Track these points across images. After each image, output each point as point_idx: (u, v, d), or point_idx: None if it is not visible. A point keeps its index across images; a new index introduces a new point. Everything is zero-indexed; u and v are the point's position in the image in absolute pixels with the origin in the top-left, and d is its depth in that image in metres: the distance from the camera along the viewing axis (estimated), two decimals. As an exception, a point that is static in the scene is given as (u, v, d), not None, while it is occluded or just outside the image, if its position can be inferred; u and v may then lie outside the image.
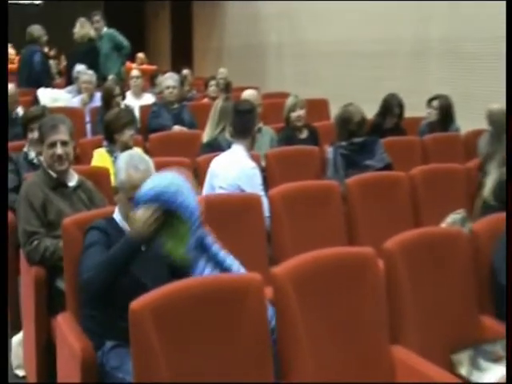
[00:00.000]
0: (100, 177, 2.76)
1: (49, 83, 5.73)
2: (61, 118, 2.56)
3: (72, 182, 2.50)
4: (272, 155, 3.26)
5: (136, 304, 1.45)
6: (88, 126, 4.83)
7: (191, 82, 6.36)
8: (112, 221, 1.98)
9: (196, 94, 6.14)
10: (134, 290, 1.62)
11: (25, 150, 3.12)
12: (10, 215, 2.72)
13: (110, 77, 5.75)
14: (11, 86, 4.25)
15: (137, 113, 4.91)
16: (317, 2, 7.05)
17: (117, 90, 4.63)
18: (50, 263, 2.24)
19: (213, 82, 5.80)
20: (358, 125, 3.11)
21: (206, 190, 2.87)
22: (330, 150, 3.16)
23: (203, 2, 10.10)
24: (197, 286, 1.56)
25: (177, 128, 4.67)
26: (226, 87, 6.45)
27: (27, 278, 2.33)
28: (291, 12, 7.89)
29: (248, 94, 4.07)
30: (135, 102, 5.24)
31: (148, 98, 5.46)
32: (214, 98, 5.74)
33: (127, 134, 3.36)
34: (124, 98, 4.74)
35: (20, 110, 4.27)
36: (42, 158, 2.61)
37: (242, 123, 2.80)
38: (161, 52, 11.62)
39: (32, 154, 3.07)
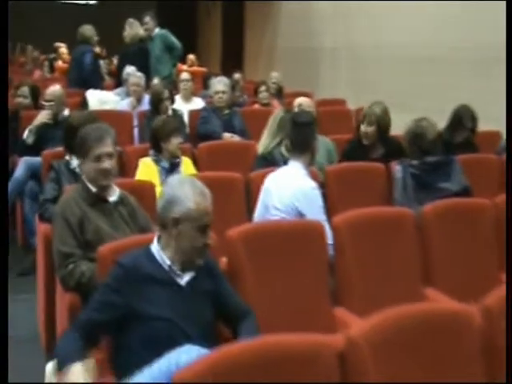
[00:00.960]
0: (144, 192, 2.52)
1: (98, 84, 5.61)
2: (106, 129, 2.34)
3: (113, 196, 2.27)
4: (332, 172, 2.94)
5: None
6: (135, 131, 4.64)
7: (242, 86, 6.09)
8: (148, 252, 1.73)
9: (247, 98, 5.87)
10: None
11: (66, 157, 2.93)
12: (46, 227, 2.53)
13: (156, 80, 5.55)
14: (58, 88, 4.11)
15: (186, 117, 4.71)
16: (376, 2, 6.66)
17: (165, 94, 4.43)
18: (86, 290, 2.01)
19: (263, 88, 5.51)
20: (432, 142, 2.76)
21: (259, 210, 2.59)
22: (398, 169, 2.82)
23: (255, 2, 9.84)
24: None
25: (227, 135, 4.42)
26: (278, 92, 6.17)
27: (62, 304, 2.12)
28: (348, 13, 7.49)
29: (301, 101, 3.76)
30: (184, 106, 5.02)
31: (198, 103, 5.23)
32: (265, 104, 5.47)
33: (174, 143, 3.14)
34: (173, 101, 4.52)
35: (66, 113, 4.12)
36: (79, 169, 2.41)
37: (301, 137, 2.50)
38: (211, 54, 11.45)
39: (74, 163, 2.87)
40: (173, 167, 3.13)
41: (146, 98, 4.88)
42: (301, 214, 2.41)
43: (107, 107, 5.00)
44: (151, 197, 2.47)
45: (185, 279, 1.71)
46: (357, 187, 2.85)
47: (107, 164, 2.22)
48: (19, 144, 4.01)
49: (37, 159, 3.71)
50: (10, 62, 8.53)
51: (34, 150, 3.94)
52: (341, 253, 2.07)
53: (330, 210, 2.50)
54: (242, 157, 3.44)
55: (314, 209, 2.37)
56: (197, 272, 1.73)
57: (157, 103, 4.41)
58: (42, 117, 3.91)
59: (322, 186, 2.91)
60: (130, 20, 5.90)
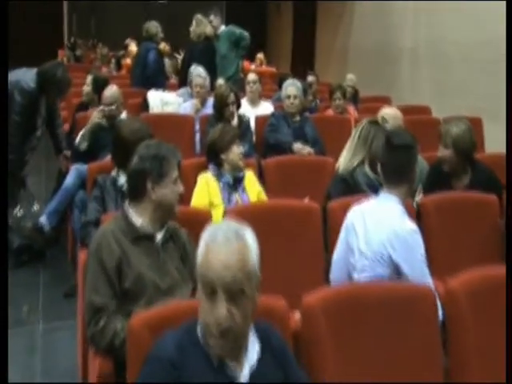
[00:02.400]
0: (200, 222, 2.07)
1: (162, 83, 5.28)
2: (176, 149, 1.96)
3: (161, 231, 1.84)
4: (431, 203, 2.36)
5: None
6: (197, 136, 4.24)
7: (316, 90, 5.56)
8: (192, 331, 1.26)
9: (319, 103, 5.33)
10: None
11: (113, 174, 2.54)
12: (83, 255, 2.16)
13: (220, 80, 5.13)
14: (115, 88, 3.77)
15: (252, 123, 4.25)
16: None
17: (231, 98, 3.98)
18: (120, 354, 1.59)
19: (338, 94, 4.93)
20: None
21: (339, 251, 2.08)
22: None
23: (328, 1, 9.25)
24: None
25: (298, 145, 3.93)
26: (353, 97, 5.60)
27: (92, 365, 1.71)
28: (430, 8, 6.74)
29: (388, 113, 3.18)
30: (251, 110, 4.57)
31: (266, 107, 4.76)
32: (340, 112, 4.93)
33: (236, 152, 2.69)
34: (239, 106, 4.08)
35: (124, 116, 3.76)
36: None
37: (398, 163, 1.96)
38: (281, 53, 10.98)
39: (122, 179, 2.48)
40: (236, 182, 2.68)
41: (211, 100, 4.47)
42: (395, 265, 1.88)
43: (169, 109, 4.66)
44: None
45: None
46: (461, 224, 2.27)
47: (182, 187, 1.89)
48: (72, 150, 3.72)
49: (90, 165, 3.39)
50: (82, 58, 8.45)
51: (87, 156, 3.65)
52: (457, 325, 1.52)
53: (427, 254, 1.95)
54: (317, 175, 2.94)
55: (413, 260, 1.84)
56: (262, 353, 1.27)
57: (221, 108, 3.98)
58: (95, 118, 3.58)
59: (417, 215, 2.36)
60: (198, 17, 5.53)
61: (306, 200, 2.55)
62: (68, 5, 9.88)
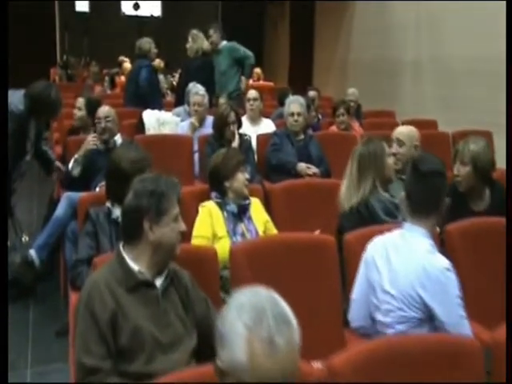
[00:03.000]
0: (205, 261, 1.85)
1: (156, 101, 5.07)
2: (177, 182, 1.73)
3: (160, 276, 1.62)
4: (456, 231, 2.14)
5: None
6: (195, 157, 4.03)
7: (318, 105, 5.37)
8: None
9: (322, 119, 5.13)
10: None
11: (107, 204, 2.32)
12: (74, 297, 1.93)
13: (222, 99, 4.94)
14: (107, 108, 3.56)
15: (254, 142, 4.05)
16: (466, 8, 5.76)
17: (232, 117, 3.79)
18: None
19: (342, 110, 4.74)
20: None
21: (360, 288, 1.86)
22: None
23: (326, 11, 9.10)
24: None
25: (302, 166, 3.72)
26: (357, 112, 5.41)
27: None
28: (433, 22, 6.61)
29: (403, 132, 2.98)
30: (252, 129, 4.37)
31: (267, 125, 4.56)
32: (345, 128, 4.73)
33: (241, 180, 2.47)
34: (240, 125, 3.88)
35: (119, 139, 3.55)
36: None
37: (427, 193, 1.75)
38: (278, 67, 10.83)
39: (117, 212, 2.26)
40: (241, 212, 2.45)
41: (210, 119, 4.27)
42: (426, 306, 1.66)
43: (166, 129, 4.45)
44: (213, 271, 1.80)
45: None
46: (489, 254, 2.05)
47: (183, 225, 1.66)
48: (64, 175, 3.50)
49: (81, 195, 3.17)
50: (75, 77, 8.27)
51: (80, 182, 3.43)
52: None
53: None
54: (326, 199, 2.71)
55: (448, 302, 1.62)
56: None
57: (221, 127, 3.78)
58: (89, 143, 3.37)
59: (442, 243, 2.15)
60: (194, 32, 5.34)
61: (317, 233, 2.34)
62: (60, 23, 9.74)
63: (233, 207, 2.42)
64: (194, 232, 2.33)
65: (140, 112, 4.61)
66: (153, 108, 4.79)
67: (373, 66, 7.92)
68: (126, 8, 11.21)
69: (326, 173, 3.81)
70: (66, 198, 3.15)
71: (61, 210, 3.11)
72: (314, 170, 3.72)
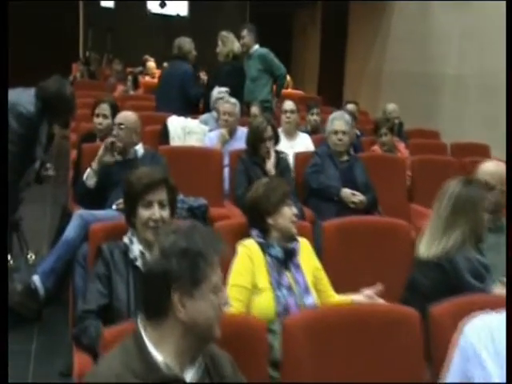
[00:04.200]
0: (251, 338, 1.41)
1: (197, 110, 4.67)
2: (212, 237, 1.27)
3: (192, 366, 1.18)
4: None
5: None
6: (226, 171, 3.59)
7: (357, 120, 4.91)
8: None
9: (361, 136, 4.67)
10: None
11: (125, 240, 1.89)
12: (85, 360, 1.53)
13: (255, 108, 4.51)
14: (130, 114, 3.15)
15: (290, 161, 3.61)
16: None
17: (268, 132, 3.36)
18: None
19: (385, 129, 4.27)
20: None
21: (451, 381, 1.41)
22: None
23: (362, 14, 8.60)
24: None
25: (347, 192, 3.27)
26: (399, 131, 4.94)
27: None
28: (477, 32, 6.11)
29: (491, 172, 2.32)
30: (287, 144, 3.93)
31: (304, 140, 4.13)
32: (388, 149, 4.27)
33: (287, 214, 2.03)
34: (277, 141, 3.45)
35: (140, 149, 3.14)
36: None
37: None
38: (307, 75, 10.37)
39: (135, 249, 1.84)
40: (288, 257, 1.99)
41: (241, 131, 3.85)
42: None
43: (192, 140, 4.04)
44: (261, 350, 1.36)
45: None
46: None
47: (226, 298, 1.29)
48: (78, 186, 3.10)
49: (96, 214, 2.76)
50: (97, 75, 7.90)
51: (95, 195, 3.03)
52: None
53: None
54: (391, 243, 2.25)
55: None
56: None
57: (256, 143, 3.36)
58: (103, 153, 2.98)
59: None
60: (224, 34, 4.91)
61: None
62: (84, 19, 9.42)
63: (277, 251, 1.97)
64: (231, 279, 1.89)
65: (165, 118, 4.21)
66: (185, 115, 4.40)
67: (409, 79, 7.43)
68: (152, 6, 10.86)
69: (373, 202, 3.36)
70: (79, 217, 2.73)
71: (71, 230, 2.69)
72: (359, 197, 3.27)
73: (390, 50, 7.98)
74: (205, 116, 4.51)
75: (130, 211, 1.89)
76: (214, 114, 4.42)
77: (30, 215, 3.47)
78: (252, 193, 2.07)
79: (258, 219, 2.01)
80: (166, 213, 1.86)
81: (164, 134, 3.98)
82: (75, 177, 3.51)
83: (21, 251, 3.08)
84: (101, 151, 3.04)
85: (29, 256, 3.00)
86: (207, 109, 4.70)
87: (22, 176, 3.00)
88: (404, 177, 3.85)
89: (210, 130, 4.13)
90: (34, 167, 3.05)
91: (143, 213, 1.84)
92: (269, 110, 4.74)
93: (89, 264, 2.04)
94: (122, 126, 3.04)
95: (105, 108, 3.48)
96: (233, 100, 4.06)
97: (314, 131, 4.56)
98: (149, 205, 1.85)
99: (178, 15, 10.96)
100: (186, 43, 4.87)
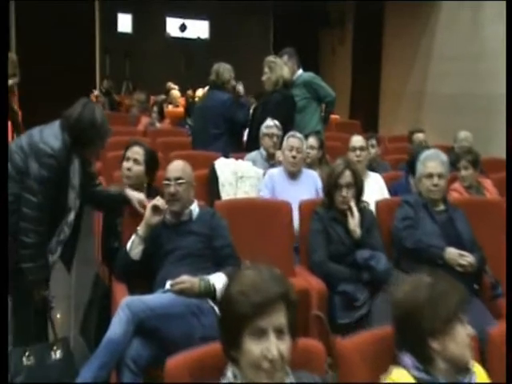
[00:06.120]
0: None
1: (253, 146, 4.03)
2: None
3: None
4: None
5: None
6: (295, 225, 2.91)
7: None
8: None
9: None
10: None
11: (229, 374, 1.23)
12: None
13: (312, 140, 3.88)
14: (187, 166, 2.52)
15: (372, 207, 2.95)
16: None
17: (346, 177, 2.72)
18: None
19: (465, 162, 3.62)
20: None
21: None
22: None
23: (400, 30, 7.97)
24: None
25: (453, 253, 2.60)
26: (474, 163, 4.25)
27: None
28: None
29: None
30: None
31: (376, 181, 3.48)
32: (469, 185, 3.60)
33: (461, 336, 1.37)
34: (360, 193, 2.79)
35: (195, 208, 2.49)
36: None
37: None
38: (337, 97, 9.73)
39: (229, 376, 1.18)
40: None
41: (308, 173, 3.22)
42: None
43: (246, 186, 3.40)
44: None
45: None
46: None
47: None
48: (119, 258, 2.46)
49: (148, 302, 2.11)
50: (118, 105, 7.33)
51: (141, 271, 2.41)
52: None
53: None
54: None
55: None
56: None
57: (332, 190, 2.72)
58: (152, 215, 2.35)
59: None
60: (270, 59, 4.30)
61: None
62: (100, 45, 8.91)
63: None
64: None
65: (210, 157, 3.58)
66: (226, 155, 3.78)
67: (457, 100, 6.78)
68: (172, 29, 10.35)
69: (482, 262, 2.69)
70: (126, 307, 2.08)
71: (117, 327, 2.04)
72: (468, 258, 2.59)
73: (434, 69, 7.34)
74: (252, 154, 3.88)
75: (229, 340, 1.24)
76: (263, 151, 3.81)
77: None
78: (407, 295, 1.40)
79: (415, 340, 1.34)
80: (285, 345, 1.21)
81: (212, 181, 3.34)
82: (105, 230, 2.88)
83: (44, 339, 2.40)
84: (148, 212, 2.41)
85: (54, 348, 2.33)
86: (253, 145, 4.07)
87: (53, 235, 2.35)
88: (501, 226, 3.16)
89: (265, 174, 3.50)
90: (67, 220, 2.39)
91: (252, 347, 1.19)
92: (320, 141, 4.10)
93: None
94: (181, 181, 2.44)
95: (138, 152, 2.82)
96: (298, 134, 3.45)
97: (371, 167, 3.91)
98: (261, 334, 1.20)
99: (198, 38, 10.44)
100: (225, 71, 4.28)
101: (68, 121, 2.30)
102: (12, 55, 6.51)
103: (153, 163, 2.80)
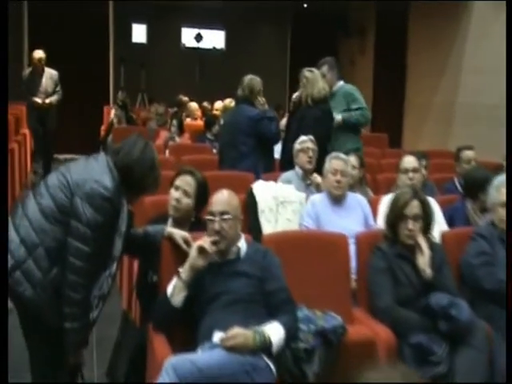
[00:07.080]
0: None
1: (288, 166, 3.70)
2: None
3: None
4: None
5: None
6: (353, 264, 2.54)
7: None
8: None
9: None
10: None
11: None
12: None
13: (353, 159, 3.55)
14: (233, 197, 2.18)
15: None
16: None
17: (414, 207, 2.37)
18: None
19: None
20: None
21: None
22: None
23: (424, 38, 7.61)
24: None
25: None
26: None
27: None
28: None
29: None
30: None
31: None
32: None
33: None
34: (429, 226, 2.43)
35: (243, 245, 2.15)
36: None
37: None
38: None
39: None
40: None
41: (353, 197, 2.87)
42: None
43: (288, 211, 3.05)
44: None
45: None
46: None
47: None
48: (158, 306, 2.11)
49: (197, 361, 1.78)
50: (134, 119, 7.01)
51: (184, 317, 2.08)
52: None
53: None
54: None
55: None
56: None
57: (397, 221, 2.37)
58: (198, 257, 2.02)
59: None
60: (304, 74, 3.95)
61: None
62: (114, 56, 8.63)
63: None
64: None
65: (246, 182, 3.25)
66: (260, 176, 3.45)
67: (490, 113, 6.42)
68: (187, 40, 10.06)
69: None
70: (171, 370, 1.74)
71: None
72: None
73: (465, 80, 6.99)
74: (286, 175, 3.53)
75: None
76: (298, 169, 3.47)
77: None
78: None
79: None
80: None
81: (251, 207, 3.00)
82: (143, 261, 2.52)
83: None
84: (194, 254, 2.07)
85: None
86: (288, 165, 3.73)
87: (95, 286, 1.98)
88: None
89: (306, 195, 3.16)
90: (111, 271, 2.02)
91: None
92: (361, 159, 3.75)
93: None
94: (227, 217, 2.09)
95: (190, 183, 2.44)
96: (343, 156, 3.10)
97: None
98: None
99: (214, 48, 10.14)
100: (257, 84, 3.97)
101: (124, 159, 1.95)
102: (52, 71, 6.21)
103: (204, 197, 2.41)
